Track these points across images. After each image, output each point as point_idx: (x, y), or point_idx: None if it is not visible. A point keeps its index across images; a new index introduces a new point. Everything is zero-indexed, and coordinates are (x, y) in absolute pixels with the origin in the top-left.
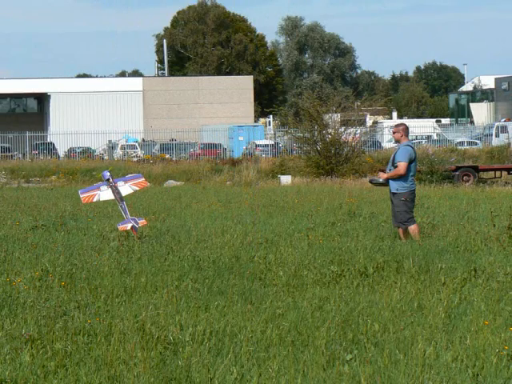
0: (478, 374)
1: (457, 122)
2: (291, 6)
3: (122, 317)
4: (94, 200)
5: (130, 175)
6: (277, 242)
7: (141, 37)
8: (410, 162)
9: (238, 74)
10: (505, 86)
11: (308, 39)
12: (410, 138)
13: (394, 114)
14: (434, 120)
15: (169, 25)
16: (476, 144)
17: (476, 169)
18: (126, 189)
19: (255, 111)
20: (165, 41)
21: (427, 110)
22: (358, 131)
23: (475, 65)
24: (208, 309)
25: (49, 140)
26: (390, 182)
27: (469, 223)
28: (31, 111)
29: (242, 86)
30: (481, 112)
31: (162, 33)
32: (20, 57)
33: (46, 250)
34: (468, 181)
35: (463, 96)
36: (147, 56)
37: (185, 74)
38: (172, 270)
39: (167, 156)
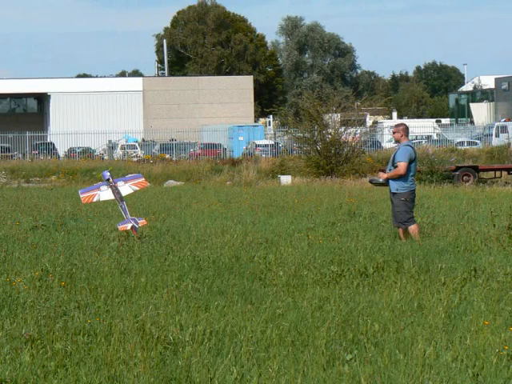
0: (478, 374)
1: (457, 122)
2: (291, 6)
3: (122, 317)
4: (94, 200)
5: (130, 175)
6: (277, 242)
7: (141, 37)
8: (410, 162)
9: (238, 74)
10: (505, 85)
11: (308, 39)
12: (409, 138)
13: (394, 114)
14: (434, 120)
15: (169, 25)
16: (476, 144)
17: (476, 169)
18: (126, 189)
19: (255, 111)
20: (165, 41)
21: (427, 109)
22: (358, 131)
23: (475, 65)
24: (208, 309)
25: (49, 140)
26: (390, 182)
27: (469, 223)
28: (31, 111)
29: (242, 86)
30: (481, 112)
31: (162, 33)
32: (20, 57)
33: (46, 249)
34: (468, 181)
35: (463, 96)
36: (147, 56)
37: (185, 74)
38: (172, 269)
39: (167, 156)
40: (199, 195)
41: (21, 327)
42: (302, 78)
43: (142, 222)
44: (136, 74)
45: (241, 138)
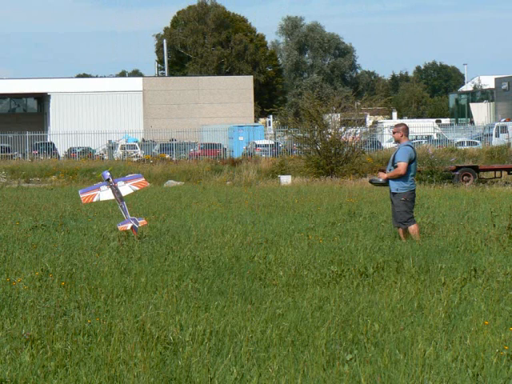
0: (478, 374)
1: (457, 122)
2: (291, 6)
3: (122, 317)
4: (94, 200)
5: (130, 175)
6: (277, 242)
7: (141, 37)
8: (410, 162)
9: (238, 74)
10: (505, 85)
11: (308, 39)
12: (409, 138)
13: (394, 114)
14: (434, 120)
15: (169, 25)
16: (476, 144)
17: (476, 169)
18: (125, 189)
19: (255, 111)
20: (165, 41)
21: (427, 110)
22: (358, 131)
23: (475, 65)
24: (208, 309)
25: (49, 140)
26: (390, 181)
27: (469, 223)
28: (31, 111)
29: (242, 86)
30: (481, 112)
31: (162, 33)
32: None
33: (46, 249)
34: (468, 181)
35: (463, 96)
36: (147, 56)
37: (185, 74)
38: (172, 269)
39: (167, 156)
40: (199, 195)
41: (21, 327)
42: (301, 78)
43: (142, 221)
44: (136, 74)
45: (241, 138)
